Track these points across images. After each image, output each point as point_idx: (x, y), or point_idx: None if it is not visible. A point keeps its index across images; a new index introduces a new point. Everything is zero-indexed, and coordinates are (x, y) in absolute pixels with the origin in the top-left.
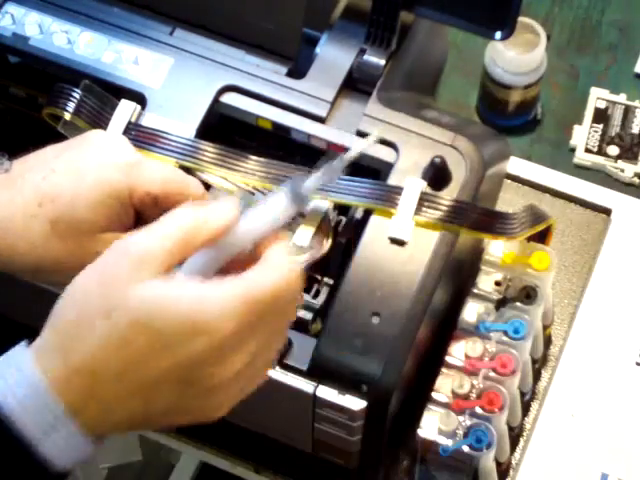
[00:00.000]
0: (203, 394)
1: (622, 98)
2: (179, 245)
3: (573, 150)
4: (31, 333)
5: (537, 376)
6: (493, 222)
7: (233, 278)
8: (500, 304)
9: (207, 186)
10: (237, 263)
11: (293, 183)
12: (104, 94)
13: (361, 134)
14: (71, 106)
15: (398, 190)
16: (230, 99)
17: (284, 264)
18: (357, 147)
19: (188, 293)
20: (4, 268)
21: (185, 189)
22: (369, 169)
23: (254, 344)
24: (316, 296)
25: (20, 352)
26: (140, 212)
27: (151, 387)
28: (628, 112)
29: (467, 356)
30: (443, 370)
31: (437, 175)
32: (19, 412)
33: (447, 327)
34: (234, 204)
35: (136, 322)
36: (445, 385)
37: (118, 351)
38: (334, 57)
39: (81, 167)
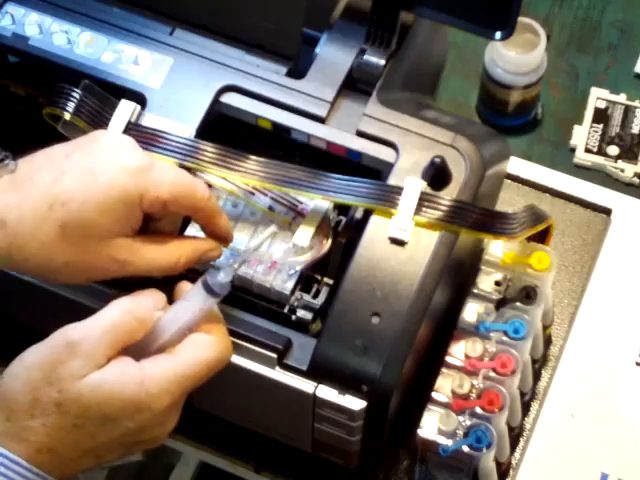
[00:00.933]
0: (148, 444)
1: (622, 98)
2: (117, 341)
3: (573, 150)
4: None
5: (537, 376)
6: (493, 222)
7: (168, 357)
8: (500, 304)
9: (207, 186)
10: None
11: (208, 277)
12: (104, 94)
13: (361, 134)
14: (71, 106)
15: (398, 190)
16: (230, 99)
17: (209, 342)
18: (256, 242)
19: (129, 378)
20: (14, 268)
21: (193, 192)
22: (369, 169)
23: (183, 403)
24: (316, 296)
25: None
26: (148, 215)
27: (102, 450)
28: (628, 112)
29: (467, 356)
30: (443, 370)
31: (437, 175)
32: None
33: (447, 327)
34: (158, 302)
35: (86, 410)
36: (445, 385)
37: (71, 432)
38: (334, 57)
39: (92, 170)
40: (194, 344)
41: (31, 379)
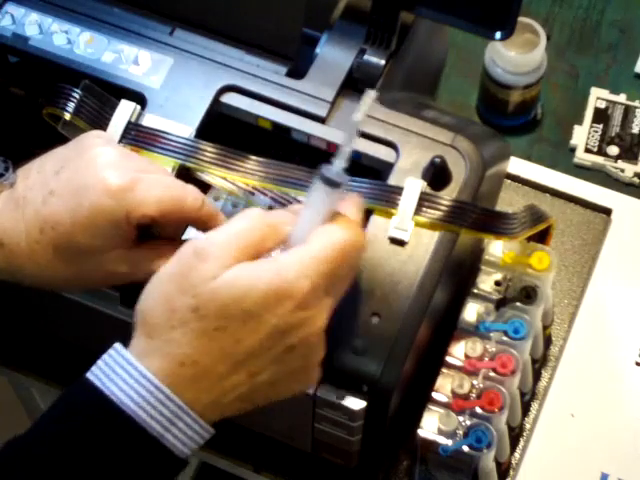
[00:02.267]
0: (302, 357)
1: (622, 98)
2: (248, 245)
3: (573, 150)
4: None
5: (537, 376)
6: (493, 222)
7: (300, 246)
8: (500, 304)
9: (207, 186)
10: None
11: (324, 171)
12: (104, 94)
13: (361, 134)
14: (71, 106)
15: (398, 190)
16: (230, 99)
17: (342, 226)
18: (360, 113)
19: (264, 268)
20: (16, 282)
21: (181, 206)
22: (369, 169)
23: (332, 295)
24: None
25: (123, 357)
26: (145, 224)
27: (252, 359)
28: (628, 112)
29: (467, 356)
30: (443, 370)
31: (437, 175)
32: (141, 413)
33: (447, 327)
34: (291, 215)
35: (225, 309)
36: (445, 385)
37: (214, 338)
38: (334, 57)
39: (78, 192)
40: (324, 230)
41: (165, 291)
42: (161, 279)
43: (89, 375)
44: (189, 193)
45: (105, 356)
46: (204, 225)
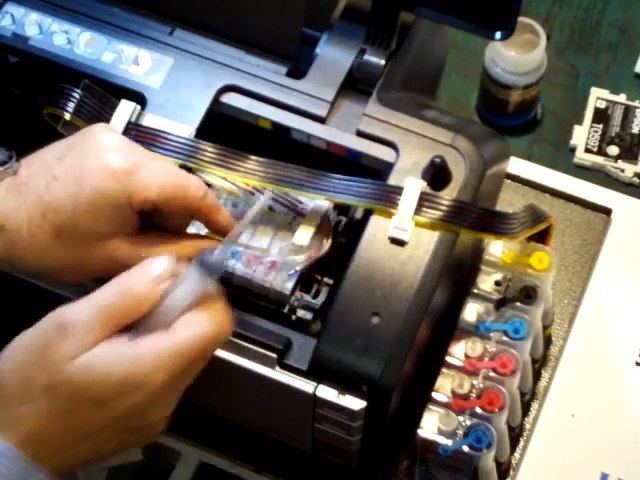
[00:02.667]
0: (144, 434)
1: (622, 98)
2: (111, 322)
3: (573, 150)
4: None
5: (537, 376)
6: (493, 222)
7: (161, 334)
8: (500, 304)
9: (208, 186)
10: None
11: (203, 256)
12: (104, 94)
13: (361, 134)
14: (71, 106)
15: (398, 190)
16: (230, 99)
17: (204, 318)
18: (250, 215)
19: (122, 354)
20: (13, 271)
21: (184, 193)
22: (369, 169)
23: (182, 385)
24: (316, 296)
25: None
26: (149, 212)
27: (97, 434)
28: (628, 112)
29: (467, 356)
30: (443, 370)
31: (437, 175)
32: None
33: (447, 327)
34: (158, 285)
35: (77, 393)
36: (445, 385)
37: (62, 420)
38: (334, 57)
39: (80, 175)
40: (189, 321)
41: (20, 363)
42: (22, 346)
43: None
44: (192, 182)
45: None
46: (206, 217)
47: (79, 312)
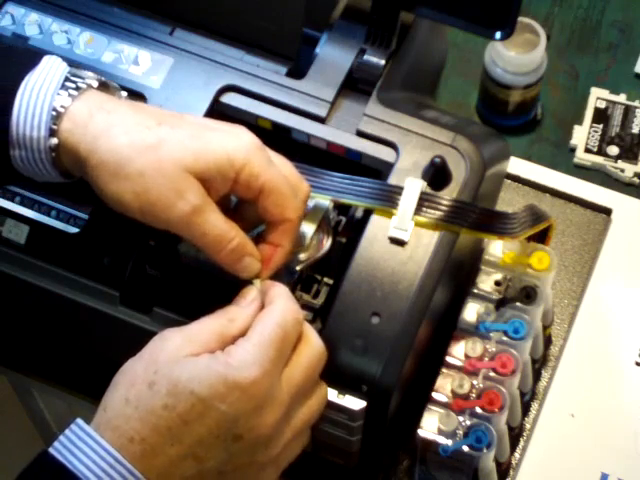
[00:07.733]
0: (249, 449)
1: (622, 98)
2: (216, 341)
3: (573, 150)
4: None
5: (537, 376)
6: (493, 222)
7: (243, 338)
8: (500, 304)
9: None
10: None
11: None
12: None
13: (361, 134)
14: None
15: (398, 190)
16: (230, 99)
17: (273, 310)
18: None
19: (217, 363)
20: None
21: (287, 201)
22: (369, 169)
23: (285, 390)
24: (316, 296)
25: (83, 430)
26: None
27: (200, 445)
28: (628, 112)
29: (467, 356)
30: (443, 370)
31: (437, 175)
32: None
33: (447, 327)
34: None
35: (174, 388)
36: (445, 385)
37: (162, 417)
38: (334, 57)
39: (214, 134)
40: (261, 317)
41: (130, 371)
42: (134, 360)
43: (51, 450)
44: (302, 206)
45: (67, 431)
46: (280, 234)
47: (202, 330)
